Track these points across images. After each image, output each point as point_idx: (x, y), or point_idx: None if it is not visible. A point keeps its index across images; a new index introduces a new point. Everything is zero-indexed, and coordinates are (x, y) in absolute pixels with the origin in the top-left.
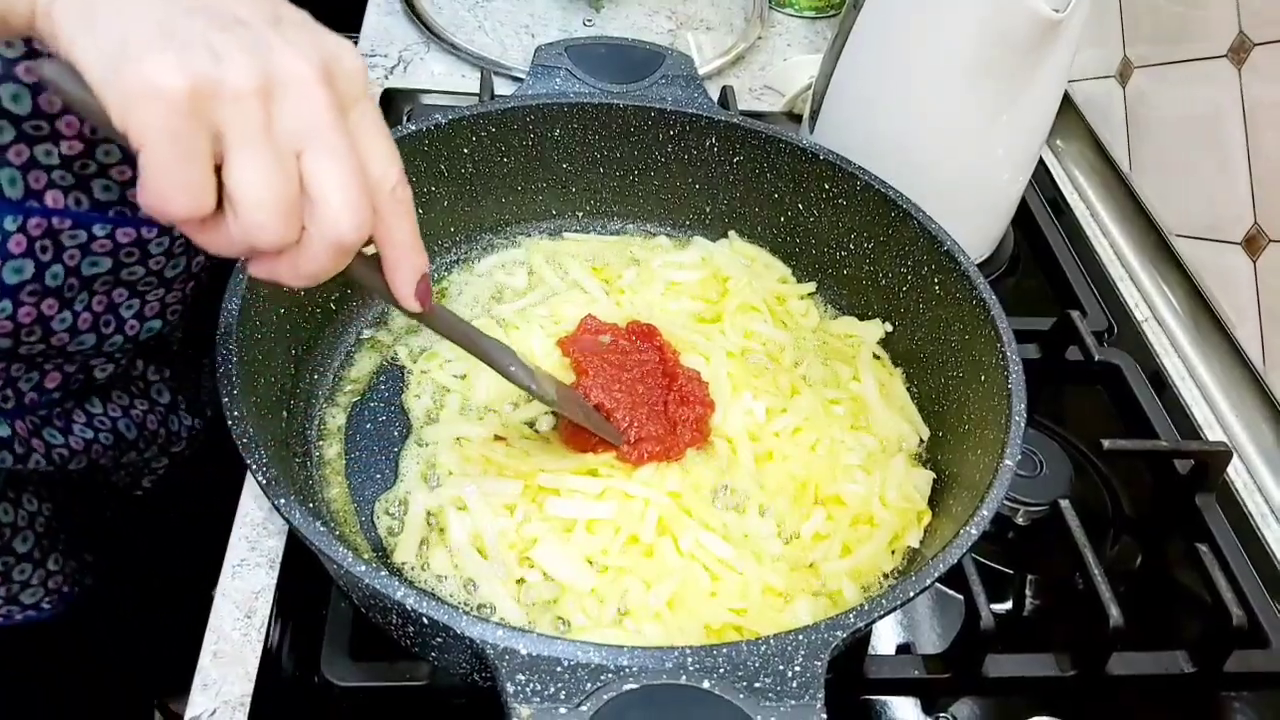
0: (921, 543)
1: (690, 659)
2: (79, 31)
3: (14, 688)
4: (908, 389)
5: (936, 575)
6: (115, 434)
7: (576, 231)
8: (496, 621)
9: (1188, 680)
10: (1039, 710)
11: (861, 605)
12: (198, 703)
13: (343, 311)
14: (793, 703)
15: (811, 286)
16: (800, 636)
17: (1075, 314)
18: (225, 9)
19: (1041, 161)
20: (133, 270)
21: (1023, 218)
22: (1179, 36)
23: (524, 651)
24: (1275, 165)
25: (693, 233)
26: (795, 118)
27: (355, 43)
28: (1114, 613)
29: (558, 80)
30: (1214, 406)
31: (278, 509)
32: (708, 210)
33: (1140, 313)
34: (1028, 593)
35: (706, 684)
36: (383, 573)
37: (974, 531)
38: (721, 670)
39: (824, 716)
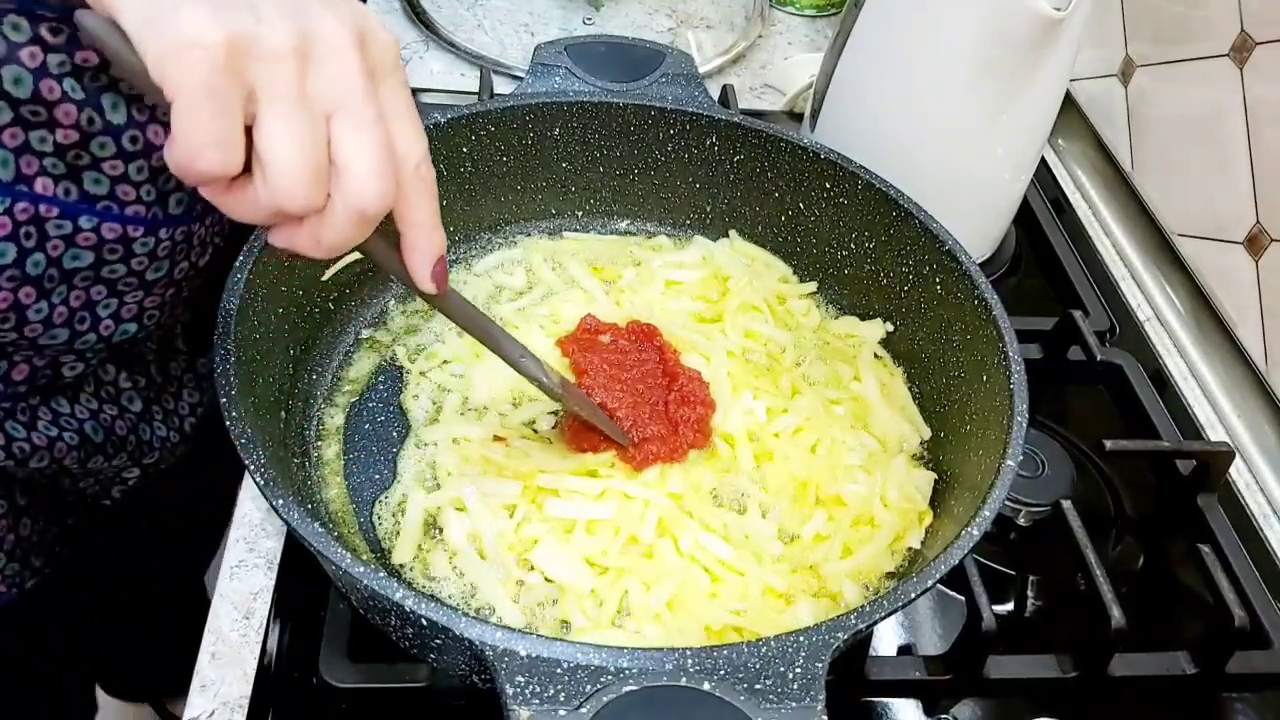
0: (923, 543)
1: (690, 660)
2: None
3: None
4: (909, 389)
5: (938, 576)
6: (81, 435)
7: (576, 231)
8: (496, 623)
9: (1190, 681)
10: (1041, 711)
11: (863, 606)
12: (196, 704)
13: (341, 311)
14: (793, 704)
15: (812, 286)
16: (801, 638)
17: (1077, 314)
18: None
19: (1043, 161)
20: (114, 268)
21: (1024, 217)
22: (1181, 36)
23: (523, 653)
24: (1277, 165)
25: (693, 232)
26: (796, 117)
27: None
28: (1116, 614)
29: (557, 79)
30: (1216, 406)
31: (276, 510)
32: (708, 209)
33: (1142, 312)
34: (1029, 594)
35: (707, 686)
36: (381, 574)
37: (975, 532)
38: (722, 672)
39: (825, 718)
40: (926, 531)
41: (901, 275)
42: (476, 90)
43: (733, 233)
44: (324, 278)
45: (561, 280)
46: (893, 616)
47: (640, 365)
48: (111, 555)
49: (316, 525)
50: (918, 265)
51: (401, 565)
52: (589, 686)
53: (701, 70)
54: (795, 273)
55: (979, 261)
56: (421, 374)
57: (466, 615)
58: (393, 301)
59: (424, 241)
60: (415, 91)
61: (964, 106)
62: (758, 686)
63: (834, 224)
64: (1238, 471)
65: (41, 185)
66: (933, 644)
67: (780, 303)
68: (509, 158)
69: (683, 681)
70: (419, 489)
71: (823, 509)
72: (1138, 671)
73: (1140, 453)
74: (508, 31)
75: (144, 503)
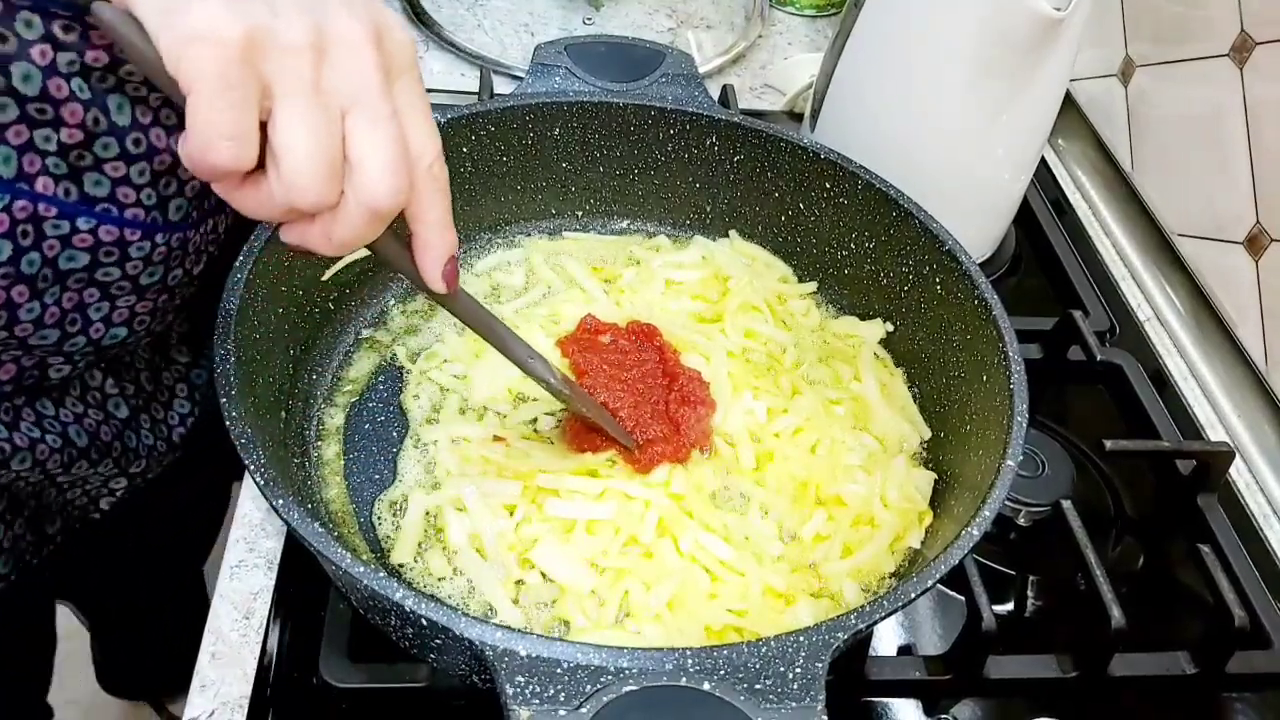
0: (923, 543)
1: (690, 660)
2: None
3: None
4: (909, 389)
5: (938, 576)
6: (64, 438)
7: (576, 231)
8: (496, 623)
9: (1190, 681)
10: (1041, 712)
11: (863, 606)
12: (196, 704)
13: (341, 311)
14: (793, 704)
15: (812, 286)
16: (801, 638)
17: (1077, 314)
18: None
19: (1043, 161)
20: (109, 271)
21: (1024, 217)
22: (1181, 36)
23: (523, 653)
24: (1277, 165)
25: (693, 232)
26: (796, 117)
27: None
28: (1116, 614)
29: (557, 79)
30: (1216, 406)
31: (276, 510)
32: (708, 209)
33: (1142, 312)
34: (1029, 594)
35: (707, 685)
36: (381, 574)
37: (975, 532)
38: (722, 672)
39: (825, 718)
40: (926, 531)
41: (901, 275)
42: (476, 90)
43: (733, 233)
44: (324, 278)
45: (561, 280)
46: (893, 616)
47: (640, 365)
48: (96, 571)
49: (316, 525)
50: (918, 265)
51: (401, 565)
52: (589, 686)
53: (701, 70)
54: (795, 273)
55: (979, 261)
56: (421, 374)
57: (466, 615)
58: (393, 301)
59: (436, 240)
60: None
61: (964, 106)
62: (758, 686)
63: (834, 224)
64: (1238, 471)
65: (42, 184)
66: (933, 644)
67: (780, 303)
68: (509, 158)
69: (683, 681)
70: (419, 489)
71: (823, 509)
72: (1138, 671)
73: (1140, 453)
74: (508, 31)
75: (132, 515)
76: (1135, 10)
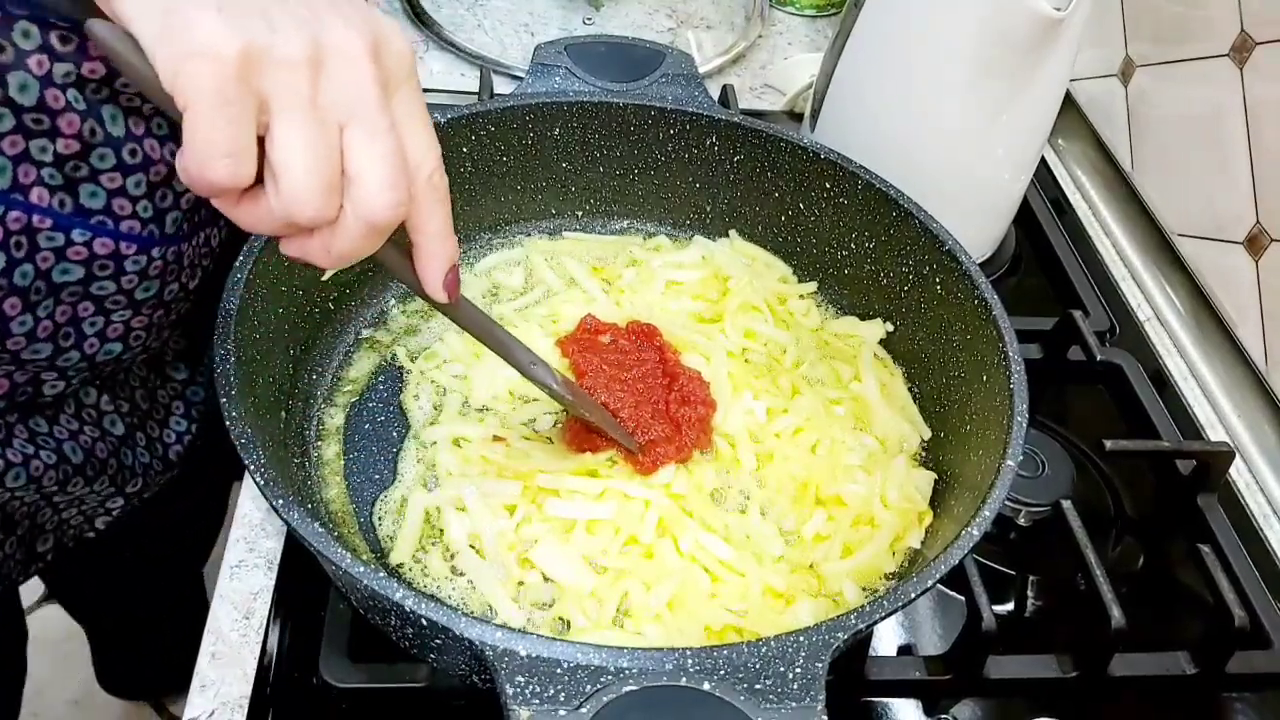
0: (923, 543)
1: (690, 660)
2: None
3: None
4: (909, 389)
5: (938, 576)
6: (59, 455)
7: (576, 231)
8: (496, 623)
9: (1190, 681)
10: (1041, 712)
11: (863, 606)
12: (196, 704)
13: (341, 311)
14: (793, 704)
15: (812, 286)
16: (801, 638)
17: (1077, 314)
18: None
19: (1043, 161)
20: (103, 285)
21: (1024, 217)
22: (1181, 36)
23: (523, 653)
24: (1277, 165)
25: (693, 232)
26: (796, 117)
27: None
28: (1116, 614)
29: (557, 79)
30: (1216, 406)
31: (276, 510)
32: (708, 209)
33: (1142, 312)
34: (1029, 594)
35: (707, 685)
36: (381, 574)
37: (975, 532)
38: (722, 672)
39: (825, 718)
40: (926, 531)
41: (901, 275)
42: (476, 90)
43: (733, 233)
44: (324, 278)
45: (561, 280)
46: (893, 616)
47: (640, 365)
48: (91, 585)
49: (316, 525)
50: (918, 265)
51: (401, 565)
52: (589, 686)
53: (701, 70)
54: (795, 273)
55: (979, 261)
56: (422, 374)
57: (466, 615)
58: (393, 301)
59: (437, 249)
60: None
61: (964, 106)
62: (758, 686)
63: (834, 224)
64: (1238, 471)
65: (37, 195)
66: (933, 644)
67: (780, 303)
68: (509, 158)
69: (683, 681)
70: (419, 489)
71: (823, 509)
72: (1138, 671)
73: (1140, 453)
74: (508, 31)
75: (129, 532)
76: (1135, 10)
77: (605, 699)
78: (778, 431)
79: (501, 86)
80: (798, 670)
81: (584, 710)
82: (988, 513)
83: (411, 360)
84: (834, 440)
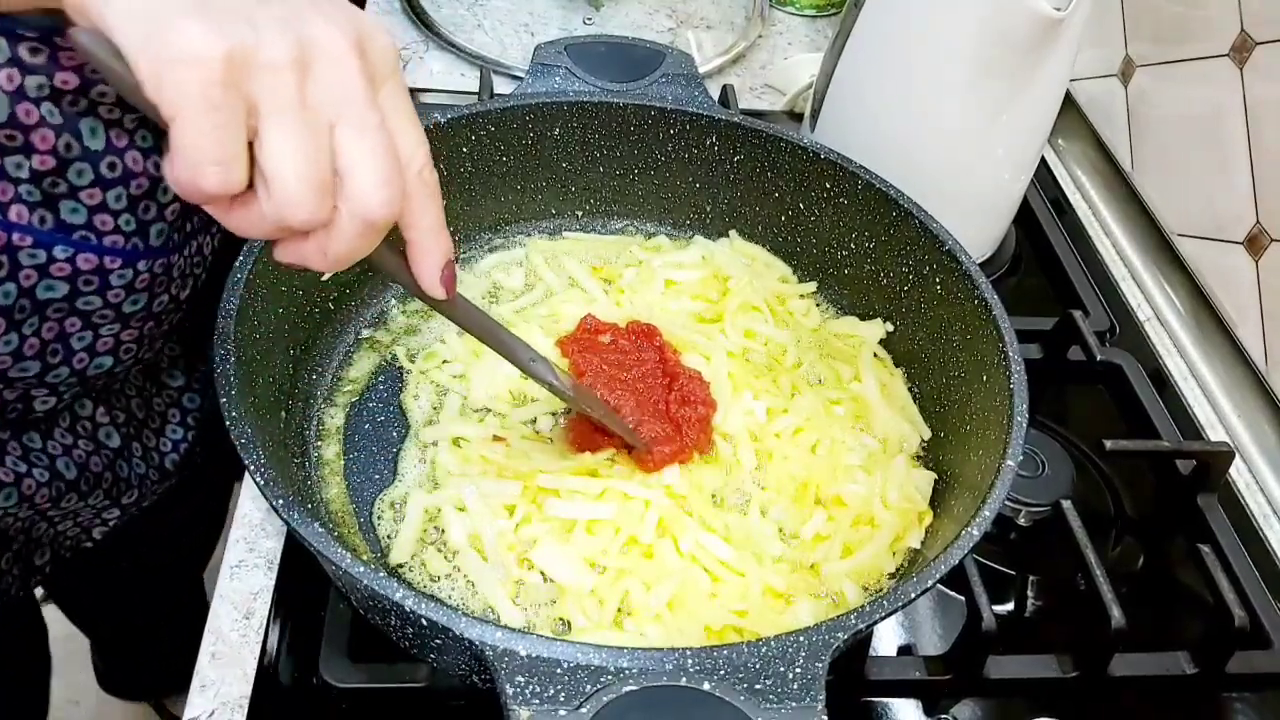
0: (923, 543)
1: (690, 660)
2: None
3: None
4: (909, 389)
5: (938, 576)
6: (52, 471)
7: (576, 231)
8: (496, 623)
9: (1190, 681)
10: (1041, 711)
11: (863, 606)
12: (196, 704)
13: (341, 311)
14: (794, 704)
15: (812, 286)
16: (801, 638)
17: (1077, 314)
18: None
19: (1043, 161)
20: (89, 300)
21: (1024, 217)
22: (1181, 36)
23: (523, 653)
24: (1277, 165)
25: (693, 232)
26: (796, 117)
27: None
28: (1116, 614)
29: (557, 79)
30: (1216, 406)
31: (276, 510)
32: (708, 209)
33: (1142, 312)
34: (1029, 594)
35: (707, 685)
36: (381, 574)
37: (975, 532)
38: (722, 672)
39: (825, 718)
40: (926, 531)
41: (901, 275)
42: (476, 90)
43: (733, 233)
44: (324, 278)
45: (561, 280)
46: (893, 616)
47: (640, 365)
48: (90, 594)
49: (316, 525)
50: (918, 265)
51: (401, 565)
52: (589, 686)
53: (701, 70)
54: (795, 273)
55: (979, 261)
56: (421, 374)
57: (466, 615)
58: (393, 301)
59: (431, 245)
60: (415, 92)
61: (964, 106)
62: (758, 686)
63: (834, 224)
64: (1238, 471)
65: (16, 213)
66: (933, 644)
67: (780, 303)
68: (509, 158)
69: (683, 681)
70: (419, 489)
71: (823, 509)
72: (1138, 671)
73: (1140, 453)
74: (508, 31)
75: (126, 542)
76: (1135, 10)
77: (605, 699)
78: (778, 431)
79: (501, 86)
80: (798, 670)
81: (584, 710)
82: (988, 513)
83: (411, 360)
84: (834, 440)
